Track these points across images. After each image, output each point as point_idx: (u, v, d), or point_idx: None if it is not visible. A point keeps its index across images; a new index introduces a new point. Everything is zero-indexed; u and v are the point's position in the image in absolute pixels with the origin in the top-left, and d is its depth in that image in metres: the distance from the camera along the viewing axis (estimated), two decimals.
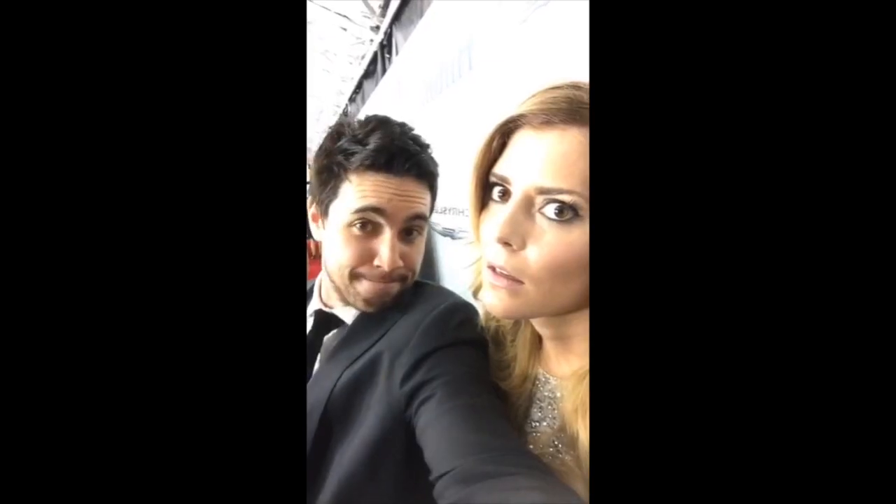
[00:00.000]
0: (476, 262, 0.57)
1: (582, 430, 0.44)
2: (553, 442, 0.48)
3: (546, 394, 0.53)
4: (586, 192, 0.43)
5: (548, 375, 0.54)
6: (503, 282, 0.47)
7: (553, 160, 0.44)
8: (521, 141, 0.47)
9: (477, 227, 0.52)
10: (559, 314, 0.50)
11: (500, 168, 0.49)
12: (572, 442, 0.46)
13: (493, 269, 0.48)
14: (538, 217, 0.45)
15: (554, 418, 0.51)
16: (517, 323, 0.60)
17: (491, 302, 0.49)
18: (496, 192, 0.49)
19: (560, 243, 0.44)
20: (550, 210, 0.44)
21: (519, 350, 0.58)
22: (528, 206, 0.46)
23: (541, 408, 0.53)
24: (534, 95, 0.48)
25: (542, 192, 0.44)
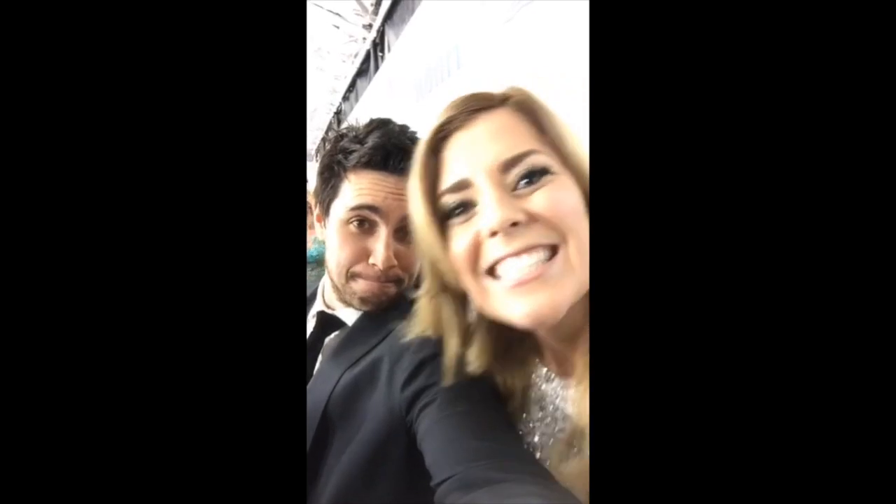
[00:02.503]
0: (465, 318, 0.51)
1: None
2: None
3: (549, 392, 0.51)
4: (546, 149, 0.43)
5: (552, 374, 0.51)
6: (532, 271, 0.42)
7: (496, 134, 0.44)
8: (457, 143, 0.46)
9: (447, 260, 0.46)
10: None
11: (449, 178, 0.46)
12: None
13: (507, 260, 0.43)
14: (519, 196, 0.43)
15: (555, 419, 0.49)
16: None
17: (528, 309, 0.42)
18: (455, 210, 0.45)
19: (559, 198, 0.42)
20: (524, 182, 0.43)
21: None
22: (502, 186, 0.43)
23: (542, 407, 0.51)
24: (444, 110, 0.47)
25: (506, 165, 0.43)
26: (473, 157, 0.44)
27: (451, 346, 0.51)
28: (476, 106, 0.46)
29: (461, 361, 0.50)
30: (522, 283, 0.42)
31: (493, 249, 0.43)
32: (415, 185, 0.47)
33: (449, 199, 0.45)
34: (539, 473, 0.40)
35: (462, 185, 0.45)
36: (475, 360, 0.50)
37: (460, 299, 0.51)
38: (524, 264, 0.42)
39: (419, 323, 0.53)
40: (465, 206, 0.45)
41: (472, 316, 0.52)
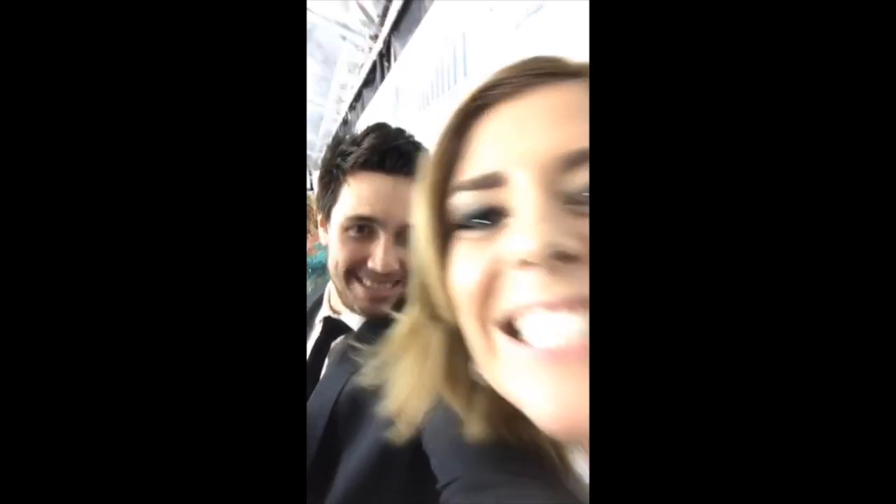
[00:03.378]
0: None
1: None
2: None
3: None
4: None
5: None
6: (575, 338, 0.26)
7: (560, 114, 0.29)
8: (497, 119, 0.31)
9: (444, 290, 0.32)
10: None
11: (474, 168, 0.30)
12: None
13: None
14: (579, 214, 0.27)
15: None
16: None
17: (556, 403, 0.26)
18: (475, 217, 0.30)
19: None
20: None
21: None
22: (554, 193, 0.28)
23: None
24: (495, 72, 0.33)
25: (568, 162, 0.28)
26: (517, 141, 0.29)
27: (413, 402, 0.36)
28: (538, 70, 0.31)
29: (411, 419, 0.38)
30: (556, 356, 0.26)
31: (519, 290, 0.27)
32: (427, 174, 0.33)
33: (467, 199, 0.30)
34: (545, 475, 0.39)
35: (490, 181, 0.29)
36: (475, 426, 0.37)
37: (458, 339, 0.34)
38: (564, 325, 0.26)
39: (384, 362, 0.38)
40: (491, 215, 0.30)
41: (472, 370, 0.36)
